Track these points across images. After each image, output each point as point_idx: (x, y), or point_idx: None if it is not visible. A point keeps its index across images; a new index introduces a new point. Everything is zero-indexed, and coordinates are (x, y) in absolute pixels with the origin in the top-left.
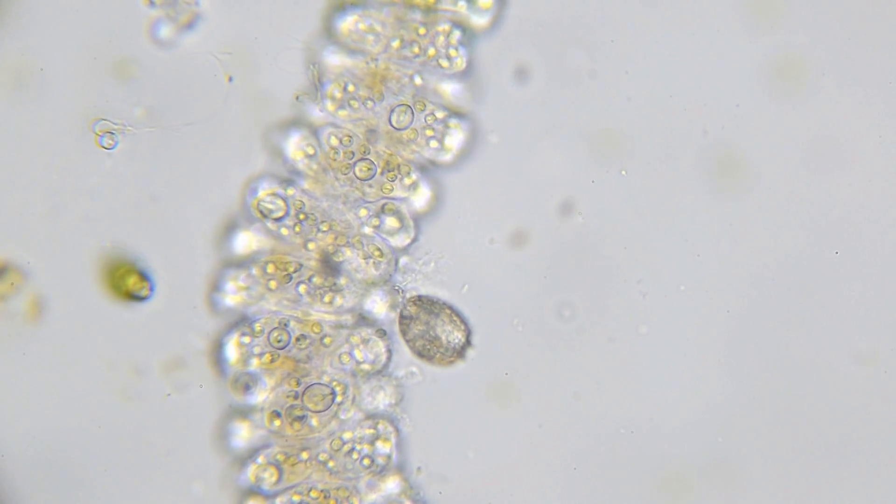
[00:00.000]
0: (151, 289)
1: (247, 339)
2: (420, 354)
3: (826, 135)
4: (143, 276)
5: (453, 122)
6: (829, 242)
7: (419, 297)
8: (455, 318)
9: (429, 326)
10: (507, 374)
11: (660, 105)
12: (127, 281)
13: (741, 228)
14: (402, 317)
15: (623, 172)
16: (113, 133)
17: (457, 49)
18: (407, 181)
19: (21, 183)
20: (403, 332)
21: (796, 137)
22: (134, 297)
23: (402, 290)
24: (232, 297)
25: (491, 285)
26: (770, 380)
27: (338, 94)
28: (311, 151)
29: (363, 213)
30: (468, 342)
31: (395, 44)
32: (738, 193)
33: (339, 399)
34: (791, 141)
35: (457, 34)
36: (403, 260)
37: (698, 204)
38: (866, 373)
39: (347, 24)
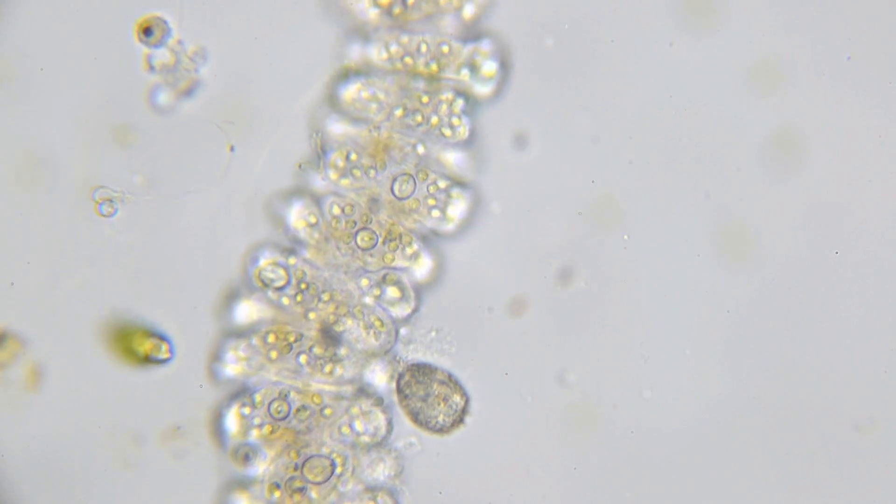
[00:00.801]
0: (171, 350)
1: (247, 410)
2: (418, 420)
3: (828, 202)
4: (159, 339)
5: (456, 191)
6: (831, 307)
7: (417, 365)
8: (452, 384)
9: (427, 392)
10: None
11: (661, 169)
12: (143, 345)
13: (744, 291)
14: (399, 383)
15: (625, 237)
16: (112, 201)
17: (460, 118)
18: (408, 251)
19: (20, 250)
20: (402, 398)
21: (799, 203)
22: (152, 360)
23: (403, 361)
24: (232, 367)
25: (492, 353)
26: (776, 428)
27: (340, 163)
28: (313, 220)
29: (364, 282)
30: (466, 408)
31: (398, 112)
32: (740, 257)
33: (338, 471)
34: (793, 206)
35: (460, 103)
36: (404, 330)
37: (700, 267)
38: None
39: (351, 92)
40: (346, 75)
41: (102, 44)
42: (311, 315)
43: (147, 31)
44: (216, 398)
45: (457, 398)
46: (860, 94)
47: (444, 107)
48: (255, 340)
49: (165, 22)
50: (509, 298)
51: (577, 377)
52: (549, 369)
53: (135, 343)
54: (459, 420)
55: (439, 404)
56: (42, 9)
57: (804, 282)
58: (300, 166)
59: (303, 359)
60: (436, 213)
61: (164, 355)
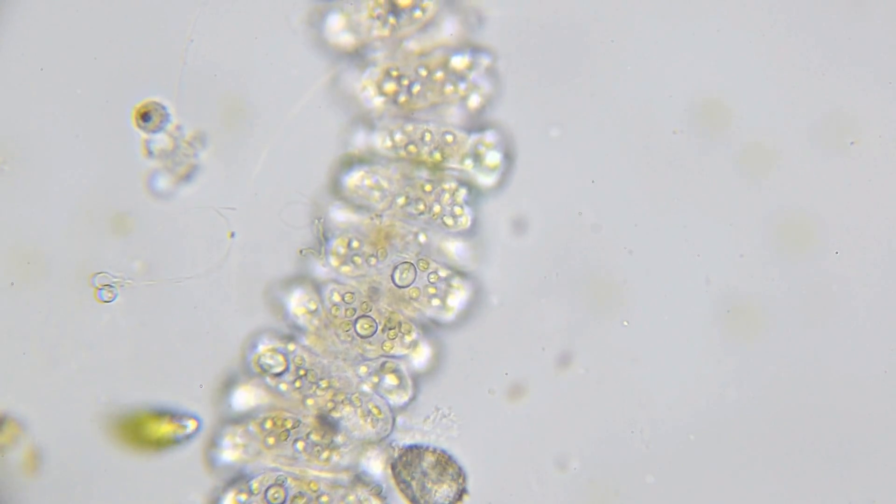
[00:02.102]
0: (197, 419)
1: (244, 497)
2: (415, 500)
3: (830, 285)
4: (175, 418)
5: (456, 281)
6: (835, 399)
7: (407, 449)
8: (445, 460)
9: (422, 471)
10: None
11: (661, 255)
12: (160, 430)
13: (745, 375)
14: (394, 470)
15: (625, 323)
16: (111, 286)
17: (462, 207)
18: (407, 339)
19: (20, 336)
20: (399, 485)
21: (800, 286)
22: (175, 440)
23: (396, 446)
24: (229, 453)
25: (491, 440)
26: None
27: (342, 250)
28: (313, 307)
29: (363, 370)
30: (465, 484)
31: (401, 200)
32: (741, 343)
33: None
34: (795, 290)
35: (462, 193)
36: (401, 418)
37: (702, 353)
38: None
39: (354, 179)
40: (349, 163)
41: (100, 130)
42: (309, 402)
43: (145, 117)
44: (213, 484)
45: (453, 470)
46: (861, 175)
47: (447, 196)
48: (253, 426)
49: (164, 107)
50: (508, 385)
51: (579, 462)
52: (551, 454)
53: (146, 430)
54: (463, 492)
55: (440, 476)
56: (40, 93)
57: (807, 365)
58: (301, 252)
59: (300, 445)
60: (436, 302)
61: (191, 428)
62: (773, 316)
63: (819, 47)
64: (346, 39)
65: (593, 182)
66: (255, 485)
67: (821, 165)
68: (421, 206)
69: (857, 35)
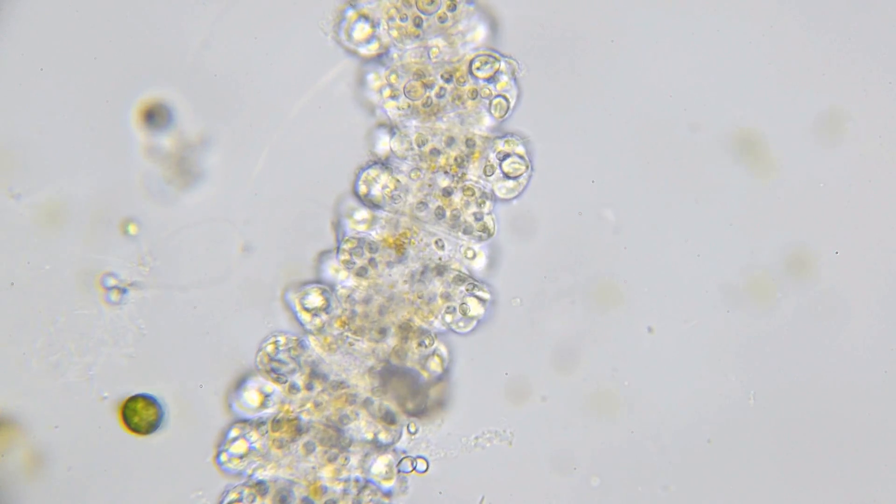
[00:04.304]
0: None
1: (248, 498)
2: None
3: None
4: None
5: (474, 288)
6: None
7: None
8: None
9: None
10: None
11: (674, 259)
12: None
13: (762, 379)
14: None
15: (651, 331)
16: (118, 288)
17: (482, 215)
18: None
19: (20, 336)
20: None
21: (805, 314)
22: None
23: (408, 455)
24: (236, 454)
25: (503, 449)
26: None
27: (357, 254)
28: (324, 311)
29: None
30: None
31: (421, 206)
32: (755, 361)
33: None
34: (802, 315)
35: (485, 199)
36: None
37: (716, 360)
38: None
39: (375, 183)
40: (371, 166)
41: (103, 131)
42: (319, 405)
43: (150, 117)
44: (218, 486)
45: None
46: (863, 177)
47: (466, 201)
48: (262, 429)
49: (168, 108)
50: (513, 389)
51: (585, 467)
52: (559, 461)
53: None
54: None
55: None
56: (43, 91)
57: (816, 370)
58: (316, 256)
59: (308, 448)
60: (451, 311)
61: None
62: (782, 320)
63: (822, 47)
64: (371, 43)
65: (593, 182)
66: (259, 486)
67: (823, 166)
68: (441, 213)
69: (859, 37)
